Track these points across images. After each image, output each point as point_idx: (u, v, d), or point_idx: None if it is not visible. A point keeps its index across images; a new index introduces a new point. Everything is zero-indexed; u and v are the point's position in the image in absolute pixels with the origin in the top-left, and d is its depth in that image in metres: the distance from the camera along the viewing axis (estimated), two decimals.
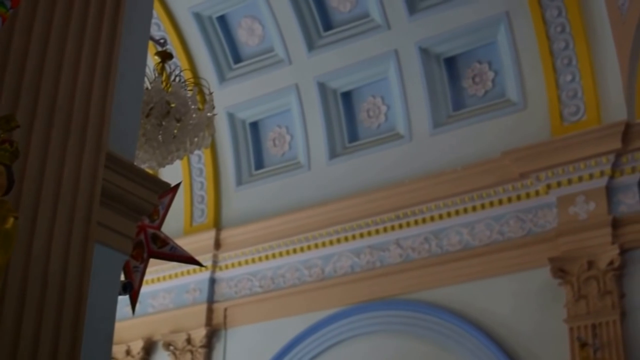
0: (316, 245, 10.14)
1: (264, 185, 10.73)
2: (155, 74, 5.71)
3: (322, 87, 10.29)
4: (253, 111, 10.80)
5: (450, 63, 9.80)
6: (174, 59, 10.37)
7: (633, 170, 8.58)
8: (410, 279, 9.54)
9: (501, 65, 9.50)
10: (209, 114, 5.62)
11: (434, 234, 9.52)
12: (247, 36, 10.61)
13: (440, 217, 9.48)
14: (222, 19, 10.65)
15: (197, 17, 10.60)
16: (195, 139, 5.48)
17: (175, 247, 5.05)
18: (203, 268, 10.05)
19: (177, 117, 5.40)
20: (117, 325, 4.04)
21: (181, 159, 5.65)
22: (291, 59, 10.35)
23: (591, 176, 8.71)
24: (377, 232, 9.81)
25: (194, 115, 5.46)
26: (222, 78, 10.73)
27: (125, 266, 4.88)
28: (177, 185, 5.12)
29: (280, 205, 10.47)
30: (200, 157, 10.91)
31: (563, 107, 9.01)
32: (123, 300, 4.76)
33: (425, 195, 9.51)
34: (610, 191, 8.67)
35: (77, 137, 3.62)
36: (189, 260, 5.22)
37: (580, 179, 8.75)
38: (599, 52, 8.89)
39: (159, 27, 10.68)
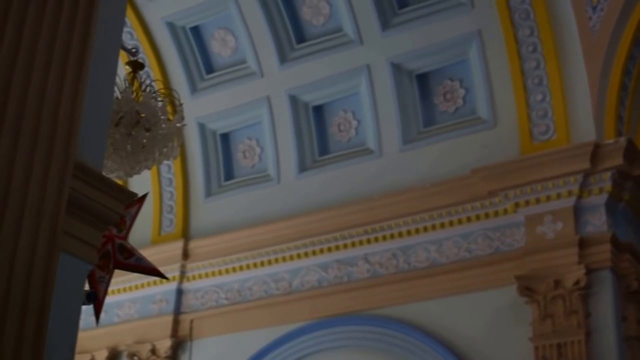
0: (284, 259, 10.12)
1: (233, 196, 10.71)
2: (125, 84, 5.69)
3: (294, 100, 10.30)
4: (224, 122, 10.78)
5: (422, 79, 9.84)
6: (145, 69, 10.40)
7: (601, 191, 8.64)
8: (378, 295, 9.54)
9: (472, 83, 9.55)
10: (178, 125, 5.61)
11: (402, 250, 9.53)
12: (220, 47, 10.60)
13: (409, 233, 9.49)
14: (195, 30, 10.64)
15: (171, 26, 10.58)
16: (164, 150, 5.46)
17: (141, 259, 5.03)
18: (170, 278, 9.99)
19: (146, 127, 5.38)
20: (82, 335, 4.00)
21: (149, 169, 5.63)
22: (263, 72, 10.35)
23: (559, 196, 8.76)
24: (345, 246, 9.81)
25: (163, 126, 5.44)
26: (194, 88, 10.71)
27: (91, 276, 4.85)
28: (144, 196, 5.09)
29: (249, 217, 10.45)
30: (170, 167, 10.87)
31: (533, 126, 9.06)
32: (88, 310, 4.73)
33: (394, 211, 9.53)
34: (577, 211, 8.72)
35: (44, 146, 3.59)
36: (154, 272, 5.21)
37: (549, 198, 8.80)
38: (570, 73, 8.96)
39: (132, 35, 10.64)
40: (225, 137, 10.89)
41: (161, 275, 5.39)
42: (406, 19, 9.65)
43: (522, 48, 9.10)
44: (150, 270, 5.22)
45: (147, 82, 5.89)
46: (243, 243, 10.35)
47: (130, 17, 10.51)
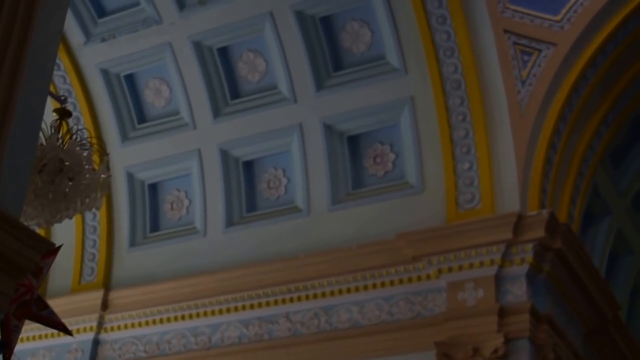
0: (205, 314, 10.02)
1: (158, 248, 10.60)
2: (52, 130, 5.64)
3: (225, 155, 10.29)
4: (153, 173, 10.71)
5: (353, 142, 9.92)
6: (76, 115, 10.35)
7: (522, 261, 8.75)
8: (298, 354, 9.48)
9: (402, 148, 9.66)
10: (103, 176, 5.56)
11: (324, 310, 9.51)
12: (154, 97, 10.58)
13: (332, 293, 9.49)
14: (130, 78, 10.61)
15: (105, 73, 10.54)
16: (87, 200, 5.40)
17: (53, 313, 4.95)
18: (87, 329, 9.88)
19: (70, 176, 5.32)
20: None
21: (71, 218, 5.56)
22: (196, 124, 10.34)
23: (482, 264, 8.85)
24: (268, 304, 9.76)
25: (87, 176, 5.39)
26: (124, 137, 10.64)
27: (6, 324, 4.74)
28: (59, 248, 5.01)
29: (173, 270, 10.34)
30: (96, 215, 10.74)
31: (459, 194, 9.18)
32: None
33: (319, 271, 9.52)
34: (499, 280, 8.81)
35: None
36: (61, 327, 5.11)
37: (471, 266, 8.88)
38: (497, 144, 9.12)
39: (65, 80, 10.58)
40: (154, 188, 10.82)
41: (67, 332, 5.31)
42: (341, 81, 9.75)
43: (453, 117, 9.25)
44: (57, 324, 5.13)
45: (74, 130, 5.84)
46: (165, 296, 10.23)
47: (64, 61, 10.45)
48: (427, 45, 9.28)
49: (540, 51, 9.07)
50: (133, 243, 10.73)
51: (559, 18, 9.02)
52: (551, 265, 8.90)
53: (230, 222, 10.27)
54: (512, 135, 9.05)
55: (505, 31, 9.10)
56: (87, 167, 5.41)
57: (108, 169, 5.74)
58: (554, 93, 9.05)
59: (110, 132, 10.56)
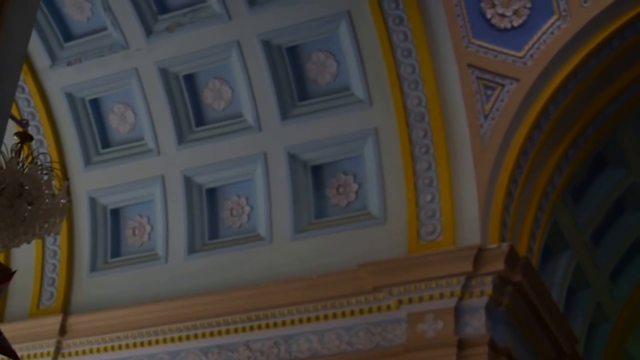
0: (164, 340, 9.97)
1: (118, 273, 10.54)
2: (12, 154, 5.63)
3: (188, 181, 10.29)
4: (115, 198, 10.68)
5: (317, 171, 9.96)
6: (39, 138, 10.31)
7: (482, 293, 8.81)
8: None
9: (365, 179, 9.71)
10: (62, 201, 5.54)
11: (284, 338, 9.50)
12: (118, 122, 10.57)
13: (292, 322, 9.48)
14: (95, 102, 10.60)
15: (70, 97, 10.53)
16: (46, 225, 5.38)
17: (4, 338, 4.91)
18: (44, 354, 9.78)
19: (29, 200, 5.31)
20: None
21: (29, 242, 5.52)
22: (160, 150, 10.34)
23: (441, 296, 8.89)
24: (228, 332, 9.73)
25: (46, 200, 5.38)
26: (88, 161, 10.61)
27: None
28: (13, 273, 4.97)
29: (133, 295, 10.29)
30: (56, 239, 10.67)
31: (421, 226, 9.23)
32: None
33: (279, 300, 9.52)
34: (458, 312, 8.85)
35: None
36: (11, 354, 5.08)
37: (431, 297, 8.92)
38: (459, 176, 9.19)
39: (29, 102, 10.55)
40: (116, 213, 10.77)
41: (16, 359, 5.28)
42: (305, 111, 9.81)
43: (416, 149, 9.32)
44: (7, 351, 5.09)
45: (36, 153, 5.83)
46: (124, 322, 10.16)
47: (29, 84, 10.43)
48: (391, 77, 9.36)
49: (503, 86, 9.18)
50: (93, 268, 10.67)
51: (522, 54, 9.14)
52: (510, 298, 8.96)
53: (191, 249, 10.25)
54: (473, 168, 9.13)
55: (469, 65, 9.21)
56: (46, 191, 5.40)
57: (67, 194, 5.72)
58: (515, 127, 9.15)
59: (74, 156, 10.53)
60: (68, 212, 6.63)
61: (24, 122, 6.14)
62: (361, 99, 9.58)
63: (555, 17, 9.04)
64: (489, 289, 8.78)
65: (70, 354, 10.32)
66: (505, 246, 8.81)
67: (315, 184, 9.94)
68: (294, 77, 9.84)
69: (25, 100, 10.50)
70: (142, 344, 10.06)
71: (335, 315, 9.33)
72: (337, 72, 9.71)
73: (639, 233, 12.04)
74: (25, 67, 10.03)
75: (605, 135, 10.23)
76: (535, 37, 9.12)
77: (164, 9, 10.01)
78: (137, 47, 10.11)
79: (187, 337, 9.88)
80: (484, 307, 8.79)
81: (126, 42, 10.12)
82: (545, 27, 9.06)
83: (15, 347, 9.28)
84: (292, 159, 9.89)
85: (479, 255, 8.79)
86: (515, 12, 9.12)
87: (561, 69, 9.15)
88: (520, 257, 8.99)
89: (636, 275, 12.69)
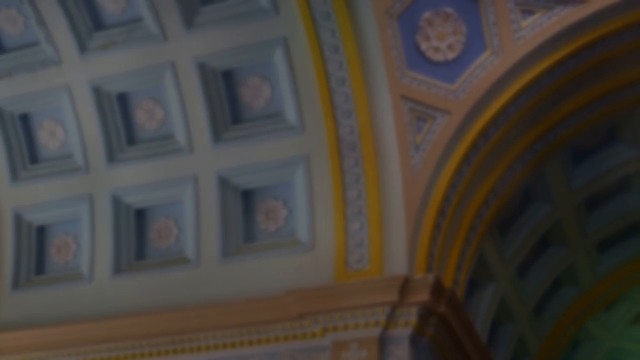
0: None
1: (41, 292, 10.38)
2: None
3: (116, 201, 10.18)
4: (42, 215, 10.53)
5: (247, 196, 9.94)
6: None
7: (406, 323, 8.84)
8: None
9: (295, 205, 9.71)
10: None
11: None
12: (47, 138, 10.45)
13: (216, 347, 9.41)
14: (24, 118, 10.46)
15: None
16: None
17: None
18: None
19: None
20: None
21: None
22: (89, 168, 10.22)
23: (366, 325, 8.91)
24: (151, 354, 9.62)
25: None
26: (15, 176, 10.47)
27: None
28: None
29: (56, 314, 10.13)
30: None
31: (348, 254, 9.25)
32: None
33: (204, 323, 9.45)
34: (382, 342, 8.87)
35: None
36: None
37: (356, 326, 8.93)
38: (389, 206, 9.24)
39: None
40: (41, 230, 10.62)
41: None
42: (238, 135, 9.79)
43: (346, 177, 9.35)
44: None
45: None
46: (47, 341, 10.00)
47: None
48: (325, 105, 9.40)
49: (434, 118, 9.28)
50: (16, 285, 10.49)
51: (454, 87, 9.26)
52: (434, 329, 9.01)
53: (117, 269, 10.13)
54: (403, 198, 9.19)
55: (402, 96, 9.29)
56: None
57: None
58: (445, 160, 9.25)
59: (0, 170, 10.36)
60: None
61: None
62: (294, 125, 9.60)
63: (488, 53, 9.18)
64: (413, 320, 8.82)
65: None
66: (431, 277, 8.87)
67: (245, 208, 9.91)
68: (228, 101, 9.83)
69: None
70: None
71: (259, 341, 9.29)
72: (272, 97, 9.72)
73: (563, 268, 12.25)
74: None
75: (532, 171, 10.40)
76: (468, 72, 9.25)
77: (99, 26, 9.93)
78: (70, 64, 10.01)
79: (109, 359, 9.74)
80: (408, 337, 8.83)
81: (59, 57, 10.01)
82: (478, 61, 9.21)
83: None
84: (223, 182, 9.86)
85: (405, 285, 8.84)
86: (450, 46, 9.24)
87: (492, 104, 9.29)
88: (445, 288, 9.06)
89: (559, 310, 12.89)
